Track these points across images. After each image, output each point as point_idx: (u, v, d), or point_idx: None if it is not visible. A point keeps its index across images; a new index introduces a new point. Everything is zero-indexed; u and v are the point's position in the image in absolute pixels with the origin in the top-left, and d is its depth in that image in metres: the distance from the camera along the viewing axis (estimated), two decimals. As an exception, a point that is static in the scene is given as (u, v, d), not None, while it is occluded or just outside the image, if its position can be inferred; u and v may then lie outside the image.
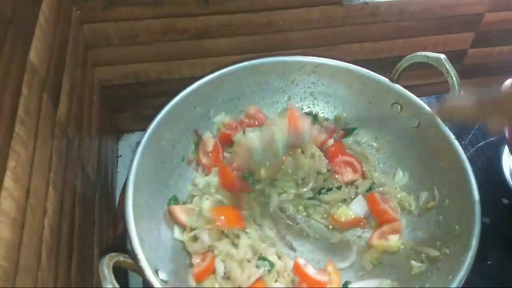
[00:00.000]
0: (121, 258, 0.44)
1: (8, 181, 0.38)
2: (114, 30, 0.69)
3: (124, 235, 0.52)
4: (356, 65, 0.78)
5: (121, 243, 0.57)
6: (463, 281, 0.47)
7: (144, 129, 0.59)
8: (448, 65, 0.55)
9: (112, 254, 0.44)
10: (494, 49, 0.91)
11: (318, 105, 0.71)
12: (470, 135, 0.81)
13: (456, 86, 0.56)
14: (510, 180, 0.73)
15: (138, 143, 0.56)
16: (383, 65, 0.69)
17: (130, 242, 0.47)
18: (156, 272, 0.47)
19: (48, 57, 0.52)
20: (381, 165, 0.67)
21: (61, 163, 0.51)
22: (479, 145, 0.79)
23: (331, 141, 0.67)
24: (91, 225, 0.60)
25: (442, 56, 0.56)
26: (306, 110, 0.71)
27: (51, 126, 0.50)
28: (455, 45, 0.88)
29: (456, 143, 0.56)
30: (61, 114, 0.54)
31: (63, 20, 0.60)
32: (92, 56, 0.71)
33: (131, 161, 0.54)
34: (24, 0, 0.48)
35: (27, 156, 0.42)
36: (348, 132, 0.69)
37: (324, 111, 0.71)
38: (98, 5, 0.66)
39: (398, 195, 0.63)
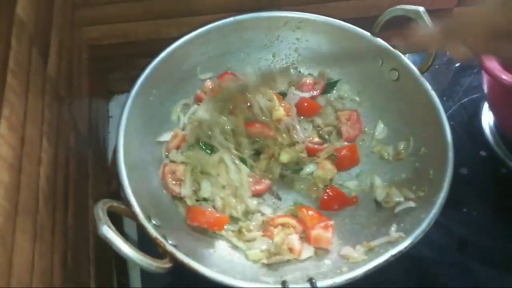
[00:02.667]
0: (115, 203, 0.47)
1: (3, 129, 0.40)
2: (102, -12, 0.70)
3: (118, 191, 0.55)
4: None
5: (116, 199, 0.59)
6: (434, 220, 0.50)
7: (134, 90, 0.61)
8: (426, 17, 0.56)
9: (105, 199, 0.46)
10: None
11: (302, 61, 0.73)
12: (453, 92, 0.83)
13: (434, 38, 0.57)
14: (488, 133, 0.76)
15: (127, 98, 0.58)
16: (372, 23, 0.70)
17: (123, 190, 0.49)
18: (148, 217, 0.50)
19: (34, 12, 0.52)
20: (363, 118, 0.69)
21: (53, 117, 0.53)
22: (461, 102, 0.81)
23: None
24: (85, 179, 0.63)
25: (421, 8, 0.57)
26: (292, 67, 0.73)
27: (42, 80, 0.51)
28: (441, 3, 0.89)
29: (433, 94, 0.58)
30: (51, 71, 0.55)
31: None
32: (79, 15, 0.71)
33: (121, 115, 0.55)
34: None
35: (20, 107, 0.44)
36: (331, 85, 0.71)
37: (309, 66, 0.73)
38: (84, -38, 0.66)
39: (377, 146, 0.66)
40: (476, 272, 0.64)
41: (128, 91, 0.84)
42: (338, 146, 0.66)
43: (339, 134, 0.68)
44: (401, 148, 0.63)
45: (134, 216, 0.48)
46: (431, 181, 0.55)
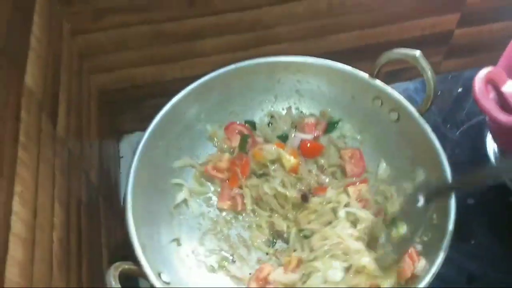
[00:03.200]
0: (126, 266, 0.49)
1: (16, 205, 0.42)
2: (105, 38, 0.72)
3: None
4: (346, 54, 0.81)
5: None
6: (438, 268, 0.51)
7: (143, 129, 0.62)
8: (423, 61, 0.57)
9: (116, 264, 0.48)
10: (482, 28, 0.92)
11: (304, 102, 0.74)
12: (456, 118, 0.84)
13: (432, 82, 0.58)
14: (493, 160, 0.76)
15: (135, 149, 0.59)
16: (373, 52, 0.70)
17: (133, 250, 0.51)
18: (159, 275, 0.51)
19: (43, 76, 0.54)
20: (365, 157, 0.70)
21: (64, 178, 0.55)
22: (464, 127, 0.82)
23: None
24: (98, 228, 0.65)
25: (418, 52, 0.58)
26: (293, 107, 0.74)
27: (51, 144, 0.53)
28: (442, 26, 0.89)
29: (433, 136, 0.59)
30: (61, 129, 0.57)
31: (55, 36, 0.62)
32: (87, 64, 0.74)
33: (128, 170, 0.57)
34: (14, 27, 0.50)
35: (31, 179, 0.46)
36: (332, 125, 0.72)
37: (310, 106, 0.74)
38: (87, 16, 0.68)
39: (381, 186, 0.67)
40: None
41: (137, 130, 0.88)
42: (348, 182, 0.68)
43: (343, 173, 0.69)
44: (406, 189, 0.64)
45: (145, 276, 0.50)
46: (434, 226, 0.56)
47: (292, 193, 0.65)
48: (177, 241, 0.63)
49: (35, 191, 0.46)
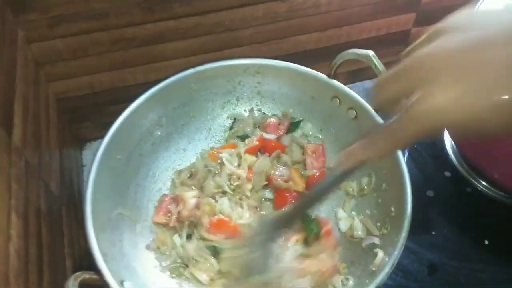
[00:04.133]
0: (87, 275, 0.48)
1: (-33, 218, 0.41)
2: (63, 46, 0.70)
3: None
4: (307, 54, 0.82)
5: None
6: (396, 260, 0.53)
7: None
8: (376, 61, 0.59)
9: (77, 273, 0.47)
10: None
11: (265, 103, 0.75)
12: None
13: (385, 80, 0.60)
14: (451, 153, 0.79)
15: (94, 156, 0.59)
16: (333, 52, 0.72)
17: (94, 258, 0.51)
18: (121, 283, 0.51)
19: (-5, 88, 0.53)
20: (327, 155, 0.71)
21: (21, 188, 0.53)
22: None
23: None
24: (61, 239, 0.63)
25: (371, 52, 0.60)
26: (255, 109, 0.75)
27: (7, 154, 0.52)
28: (399, 26, 0.92)
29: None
30: (17, 138, 0.55)
31: (9, 43, 0.61)
32: (44, 72, 0.72)
33: (87, 178, 0.57)
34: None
35: (-16, 191, 0.45)
36: (295, 125, 0.73)
37: (272, 107, 0.75)
38: (43, 23, 0.67)
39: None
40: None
41: (99, 137, 0.86)
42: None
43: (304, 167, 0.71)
44: (364, 184, 0.66)
45: (107, 285, 0.49)
46: (393, 219, 0.58)
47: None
48: (140, 247, 0.62)
49: (-12, 203, 0.45)
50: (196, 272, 0.61)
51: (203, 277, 0.60)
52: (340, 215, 0.66)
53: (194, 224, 0.64)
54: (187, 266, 0.62)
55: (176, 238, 0.63)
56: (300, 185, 0.67)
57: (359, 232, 0.62)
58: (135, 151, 0.66)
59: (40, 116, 0.67)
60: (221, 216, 0.63)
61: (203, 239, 0.63)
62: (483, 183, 0.75)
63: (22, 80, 0.62)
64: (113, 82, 0.79)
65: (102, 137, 0.82)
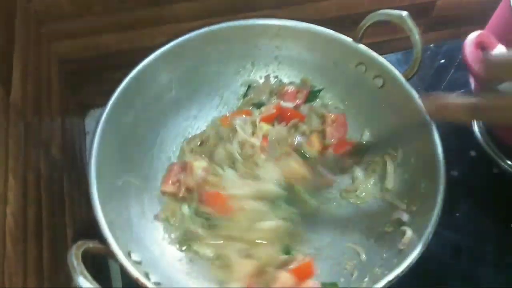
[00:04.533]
0: (90, 244, 0.44)
1: (-40, 174, 0.37)
2: (66, 2, 0.65)
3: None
4: (325, 23, 0.76)
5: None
6: (429, 239, 0.48)
7: (110, 104, 0.57)
8: (410, 22, 0.54)
9: (79, 242, 0.43)
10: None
11: (283, 69, 0.70)
12: (438, 88, 0.82)
13: (419, 44, 0.55)
14: (477, 132, 0.75)
15: (97, 121, 0.54)
16: (352, 22, 0.67)
17: (98, 227, 0.47)
18: (128, 254, 0.47)
19: (-9, 38, 0.49)
20: (348, 126, 0.67)
21: (20, 149, 0.49)
22: (448, 99, 0.79)
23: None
24: (62, 206, 0.60)
25: (404, 13, 0.54)
26: (272, 76, 0.70)
27: (4, 111, 0.48)
28: (422, -3, 0.87)
29: (419, 102, 0.56)
30: (16, 97, 0.51)
31: (6, -3, 0.56)
32: (46, 30, 0.67)
33: (91, 143, 0.52)
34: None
35: (-21, 147, 0.41)
36: (314, 94, 0.68)
37: (290, 75, 0.70)
38: (45, -24, 0.62)
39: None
40: (474, 277, 0.63)
41: (104, 105, 0.82)
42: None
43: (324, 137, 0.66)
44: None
45: (112, 255, 0.45)
46: (423, 195, 0.53)
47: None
48: (148, 218, 0.58)
49: (-17, 161, 0.41)
50: (199, 246, 0.57)
51: (207, 252, 0.56)
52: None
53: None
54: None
55: (185, 208, 0.59)
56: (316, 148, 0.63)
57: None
58: (142, 115, 0.61)
59: (42, 77, 0.63)
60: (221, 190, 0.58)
61: (197, 210, 0.59)
62: (511, 163, 0.71)
63: (21, 36, 0.57)
64: (119, 44, 0.74)
65: (106, 104, 0.79)
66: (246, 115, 0.65)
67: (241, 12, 0.74)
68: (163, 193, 0.61)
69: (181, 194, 0.59)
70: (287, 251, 0.57)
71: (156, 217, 0.58)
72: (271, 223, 0.56)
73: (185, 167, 0.61)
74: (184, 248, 0.57)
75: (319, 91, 0.68)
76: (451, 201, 0.68)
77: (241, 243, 0.56)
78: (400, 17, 0.54)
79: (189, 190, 0.60)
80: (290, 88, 0.67)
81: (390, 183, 0.60)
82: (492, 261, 0.64)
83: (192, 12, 0.72)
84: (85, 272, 0.40)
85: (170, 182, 0.61)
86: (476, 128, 0.75)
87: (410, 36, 0.55)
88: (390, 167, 0.60)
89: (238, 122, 0.62)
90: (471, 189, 0.70)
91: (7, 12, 0.55)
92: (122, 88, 0.57)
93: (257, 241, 0.56)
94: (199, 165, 0.61)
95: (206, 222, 0.58)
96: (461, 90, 0.81)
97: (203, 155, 0.63)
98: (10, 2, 0.57)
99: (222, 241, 0.57)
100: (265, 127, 0.62)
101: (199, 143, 0.65)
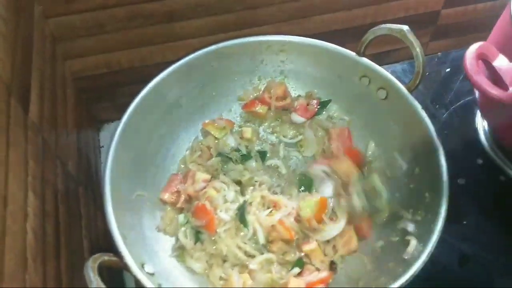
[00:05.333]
0: (106, 257, 0.46)
1: (-17, 194, 0.39)
2: (80, 22, 0.68)
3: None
4: (330, 36, 0.79)
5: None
6: (433, 248, 0.49)
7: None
8: (411, 36, 0.55)
9: (96, 255, 0.45)
10: (468, 8, 0.90)
11: (289, 83, 0.72)
12: (444, 98, 0.82)
13: (420, 57, 0.56)
14: (484, 140, 0.75)
15: (112, 135, 0.56)
16: (358, 33, 0.69)
17: (113, 240, 0.49)
18: (142, 266, 0.49)
19: (11, 59, 0.51)
20: (354, 138, 0.68)
21: (38, 166, 0.52)
22: (453, 107, 0.80)
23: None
24: (78, 219, 0.62)
25: (405, 27, 0.56)
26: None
27: (23, 130, 0.50)
28: (427, 7, 0.88)
29: (423, 114, 0.57)
30: (33, 115, 0.54)
31: (25, 17, 0.59)
32: (60, 49, 0.70)
33: (106, 158, 0.54)
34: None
35: (1, 165, 0.43)
36: (323, 105, 0.70)
37: (296, 88, 0.72)
38: (60, -3, 0.65)
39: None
40: (481, 286, 0.63)
41: (117, 119, 0.84)
42: None
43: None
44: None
45: (127, 268, 0.47)
46: (427, 205, 0.54)
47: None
48: (161, 230, 0.60)
49: (5, 179, 0.43)
50: (189, 260, 0.58)
51: (197, 266, 0.57)
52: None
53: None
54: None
55: (181, 218, 0.61)
56: None
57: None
58: (154, 130, 0.63)
59: (57, 95, 0.65)
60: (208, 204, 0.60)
61: (190, 221, 0.60)
62: (518, 171, 0.71)
63: (38, 56, 0.60)
64: (131, 61, 0.76)
65: (119, 118, 0.81)
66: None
67: (247, 28, 0.76)
68: (161, 201, 0.63)
69: (179, 205, 0.61)
70: (300, 264, 0.58)
71: (158, 228, 0.60)
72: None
73: (186, 176, 0.63)
74: (178, 260, 0.58)
75: (329, 101, 0.70)
76: (458, 209, 0.69)
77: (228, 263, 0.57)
78: (401, 31, 0.56)
79: (188, 200, 0.62)
80: (301, 101, 0.69)
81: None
82: (501, 269, 0.64)
83: (200, 29, 0.74)
84: (101, 284, 0.42)
85: (169, 191, 0.63)
86: (482, 136, 0.76)
87: (411, 49, 0.56)
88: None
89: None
90: (478, 197, 0.71)
91: (25, 35, 0.57)
92: (136, 104, 0.59)
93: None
94: (201, 176, 0.63)
95: (198, 236, 0.59)
96: (468, 98, 0.81)
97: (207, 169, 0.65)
98: (28, 22, 0.59)
99: (207, 258, 0.58)
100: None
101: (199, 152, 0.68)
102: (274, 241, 0.58)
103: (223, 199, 0.60)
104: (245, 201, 0.60)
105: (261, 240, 0.57)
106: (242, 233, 0.57)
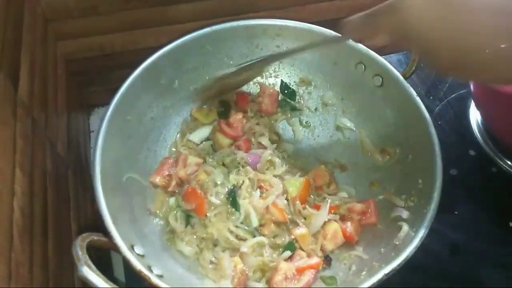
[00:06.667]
0: (95, 237, 0.45)
1: (-31, 167, 0.38)
2: (74, 2, 0.67)
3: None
4: (325, 25, 0.78)
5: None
6: (425, 233, 0.49)
7: (114, 103, 0.58)
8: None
9: (84, 234, 0.45)
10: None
11: (284, 69, 0.71)
12: (439, 90, 0.82)
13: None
14: (476, 132, 0.76)
15: (102, 119, 0.56)
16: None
17: (103, 221, 0.48)
18: (131, 247, 0.48)
19: (1, 33, 0.50)
20: (348, 124, 0.68)
21: (27, 144, 0.51)
22: (447, 99, 0.80)
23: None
24: (67, 201, 0.61)
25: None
26: (272, 75, 0.72)
27: (12, 106, 0.49)
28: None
29: (418, 100, 0.57)
30: (23, 93, 0.53)
31: (15, -6, 0.58)
32: (53, 30, 0.69)
33: (96, 139, 0.53)
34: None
35: (-13, 140, 0.42)
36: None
37: (290, 74, 0.71)
38: (53, -24, 0.64)
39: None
40: (473, 276, 0.63)
41: (108, 103, 0.83)
42: None
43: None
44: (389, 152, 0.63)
45: (116, 248, 0.46)
46: (420, 191, 0.54)
47: None
48: (152, 213, 0.59)
49: (-8, 154, 0.42)
50: (179, 243, 0.57)
51: (187, 249, 0.57)
52: None
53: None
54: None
55: (172, 200, 0.60)
56: None
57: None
58: (146, 113, 0.62)
59: (48, 75, 0.64)
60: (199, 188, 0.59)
61: (181, 205, 0.60)
62: (509, 163, 0.72)
63: (29, 33, 0.59)
64: (124, 44, 0.75)
65: (110, 103, 0.80)
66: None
67: (243, 13, 0.75)
68: (152, 184, 0.62)
69: (170, 188, 0.61)
70: (291, 248, 0.58)
71: (149, 211, 0.60)
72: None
73: (178, 160, 0.63)
74: (169, 243, 0.58)
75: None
76: (450, 200, 0.69)
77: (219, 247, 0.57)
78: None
79: (180, 184, 0.62)
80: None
81: None
82: (491, 259, 0.65)
83: (195, 13, 0.73)
84: (89, 262, 0.41)
85: (160, 175, 0.62)
86: (475, 128, 0.76)
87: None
88: None
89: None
90: (470, 188, 0.71)
91: (15, 12, 0.56)
92: (127, 86, 0.59)
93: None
94: (193, 160, 0.62)
95: (188, 220, 0.59)
96: (463, 91, 0.82)
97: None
98: (18, 2, 0.58)
99: (198, 242, 0.58)
100: None
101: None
102: (266, 224, 0.57)
103: (213, 183, 0.59)
104: (234, 185, 0.59)
105: (255, 223, 0.56)
106: (233, 217, 0.57)
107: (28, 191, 0.48)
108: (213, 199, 0.57)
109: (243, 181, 0.58)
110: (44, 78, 0.62)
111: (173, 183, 0.61)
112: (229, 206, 0.57)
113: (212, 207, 0.58)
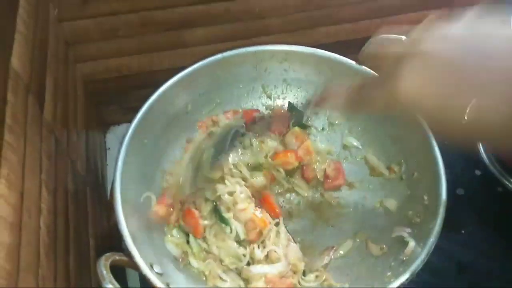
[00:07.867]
0: (117, 257, 0.48)
1: (3, 188, 0.40)
2: (93, 26, 0.70)
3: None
4: (333, 47, 0.81)
5: (117, 232, 0.59)
6: (432, 248, 0.51)
7: (130, 120, 0.61)
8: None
9: (108, 254, 0.47)
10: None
11: (291, 91, 0.74)
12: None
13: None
14: (482, 152, 0.77)
15: (122, 140, 0.58)
16: (361, 44, 0.71)
17: (124, 241, 0.50)
18: (151, 266, 0.50)
19: (29, 59, 0.53)
20: (355, 143, 0.71)
21: (51, 164, 0.53)
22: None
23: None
24: (85, 218, 0.63)
25: (403, 38, 0.58)
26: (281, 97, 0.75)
27: (38, 128, 0.52)
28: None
29: (421, 119, 0.59)
30: (47, 114, 0.55)
31: (42, 20, 0.61)
32: (73, 52, 0.72)
33: (115, 163, 0.56)
34: (1, 8, 0.49)
35: (18, 162, 0.44)
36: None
37: (297, 96, 0.74)
38: (75, 2, 0.67)
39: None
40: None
41: (123, 121, 0.86)
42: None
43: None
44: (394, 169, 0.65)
45: (136, 267, 0.48)
46: (426, 208, 0.56)
47: None
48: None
49: (22, 175, 0.45)
50: (191, 258, 0.59)
51: (195, 263, 0.59)
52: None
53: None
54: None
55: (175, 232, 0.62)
56: None
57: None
58: (162, 136, 0.65)
59: (69, 96, 0.67)
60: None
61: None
62: (515, 183, 0.73)
63: (52, 58, 0.62)
64: (141, 66, 0.78)
65: (126, 121, 0.83)
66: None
67: (254, 37, 0.78)
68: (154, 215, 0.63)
69: (173, 217, 0.62)
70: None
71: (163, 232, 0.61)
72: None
73: None
74: (181, 258, 0.59)
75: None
76: (456, 219, 0.71)
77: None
78: (400, 41, 0.58)
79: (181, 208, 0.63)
80: None
81: None
82: (498, 278, 0.66)
83: (209, 37, 0.76)
84: (114, 280, 0.43)
85: (163, 202, 0.63)
86: (481, 148, 0.78)
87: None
88: None
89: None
90: (476, 207, 0.73)
91: (41, 37, 0.59)
92: (145, 109, 0.61)
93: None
94: None
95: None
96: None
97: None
98: (43, 27, 0.61)
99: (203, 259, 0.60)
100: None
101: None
102: (251, 230, 0.59)
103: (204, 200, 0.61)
104: (214, 202, 0.61)
105: (242, 235, 0.58)
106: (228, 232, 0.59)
107: (53, 209, 0.51)
108: (205, 222, 0.60)
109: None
110: (65, 99, 0.65)
111: (174, 214, 0.63)
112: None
113: (208, 227, 0.60)
